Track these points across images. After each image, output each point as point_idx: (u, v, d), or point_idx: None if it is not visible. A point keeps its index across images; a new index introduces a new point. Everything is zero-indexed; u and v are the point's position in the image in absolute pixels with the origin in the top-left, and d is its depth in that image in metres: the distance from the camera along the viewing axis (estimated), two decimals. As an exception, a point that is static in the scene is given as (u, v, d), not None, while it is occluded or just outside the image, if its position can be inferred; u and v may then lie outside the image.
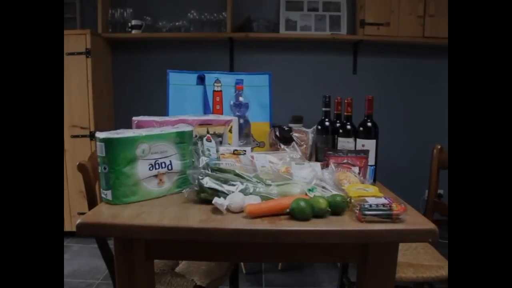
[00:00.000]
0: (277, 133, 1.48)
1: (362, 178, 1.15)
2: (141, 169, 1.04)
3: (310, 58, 3.08)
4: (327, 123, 1.37)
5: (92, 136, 2.69)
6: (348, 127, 1.30)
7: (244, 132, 1.44)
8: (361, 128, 1.27)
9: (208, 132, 1.26)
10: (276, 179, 1.09)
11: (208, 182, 1.00)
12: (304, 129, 1.52)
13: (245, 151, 1.21)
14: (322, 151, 1.33)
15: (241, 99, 1.48)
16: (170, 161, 1.09)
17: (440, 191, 2.35)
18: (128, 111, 3.04)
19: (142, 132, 1.06)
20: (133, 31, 2.89)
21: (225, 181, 1.03)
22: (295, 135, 1.47)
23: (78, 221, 0.89)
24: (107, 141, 1.00)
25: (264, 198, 1.00)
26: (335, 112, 1.38)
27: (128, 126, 1.23)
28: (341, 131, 1.31)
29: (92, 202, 1.25)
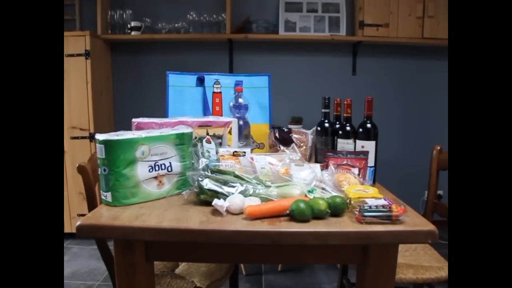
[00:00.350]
0: (277, 135, 1.49)
1: (361, 179, 1.15)
2: (141, 170, 1.04)
3: (310, 59, 3.09)
4: (326, 125, 1.37)
5: (91, 137, 2.69)
6: (348, 128, 1.30)
7: (244, 134, 1.45)
8: (360, 129, 1.27)
9: (207, 134, 1.26)
10: (276, 180, 1.09)
11: (207, 183, 1.00)
12: (304, 130, 1.52)
13: (244, 152, 1.21)
14: (321, 153, 1.33)
15: (240, 100, 1.48)
16: (170, 162, 1.09)
17: (440, 192, 2.35)
18: (128, 112, 3.07)
19: (142, 133, 1.06)
20: (133, 33, 2.89)
21: (225, 183, 1.03)
22: (294, 136, 1.48)
23: (78, 222, 0.89)
24: (106, 143, 1.00)
25: (264, 199, 1.00)
26: (335, 113, 1.39)
27: (128, 127, 1.23)
28: (340, 132, 1.31)
29: (92, 203, 1.25)
